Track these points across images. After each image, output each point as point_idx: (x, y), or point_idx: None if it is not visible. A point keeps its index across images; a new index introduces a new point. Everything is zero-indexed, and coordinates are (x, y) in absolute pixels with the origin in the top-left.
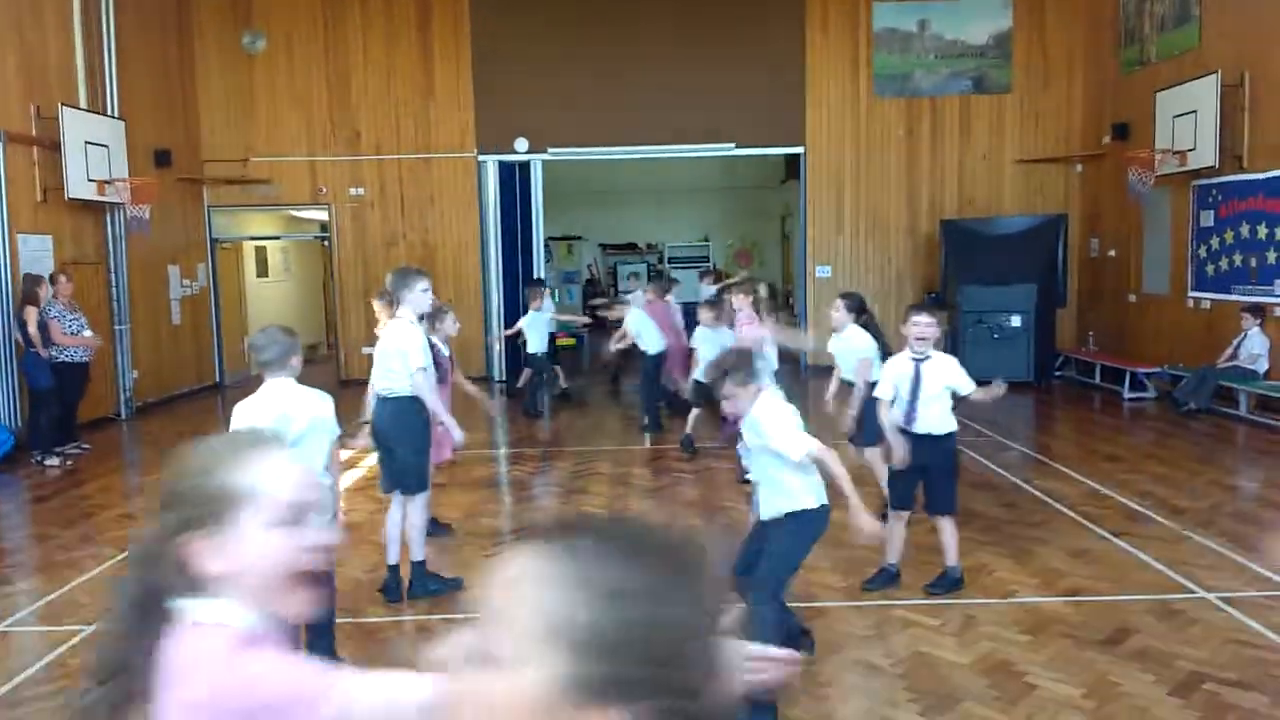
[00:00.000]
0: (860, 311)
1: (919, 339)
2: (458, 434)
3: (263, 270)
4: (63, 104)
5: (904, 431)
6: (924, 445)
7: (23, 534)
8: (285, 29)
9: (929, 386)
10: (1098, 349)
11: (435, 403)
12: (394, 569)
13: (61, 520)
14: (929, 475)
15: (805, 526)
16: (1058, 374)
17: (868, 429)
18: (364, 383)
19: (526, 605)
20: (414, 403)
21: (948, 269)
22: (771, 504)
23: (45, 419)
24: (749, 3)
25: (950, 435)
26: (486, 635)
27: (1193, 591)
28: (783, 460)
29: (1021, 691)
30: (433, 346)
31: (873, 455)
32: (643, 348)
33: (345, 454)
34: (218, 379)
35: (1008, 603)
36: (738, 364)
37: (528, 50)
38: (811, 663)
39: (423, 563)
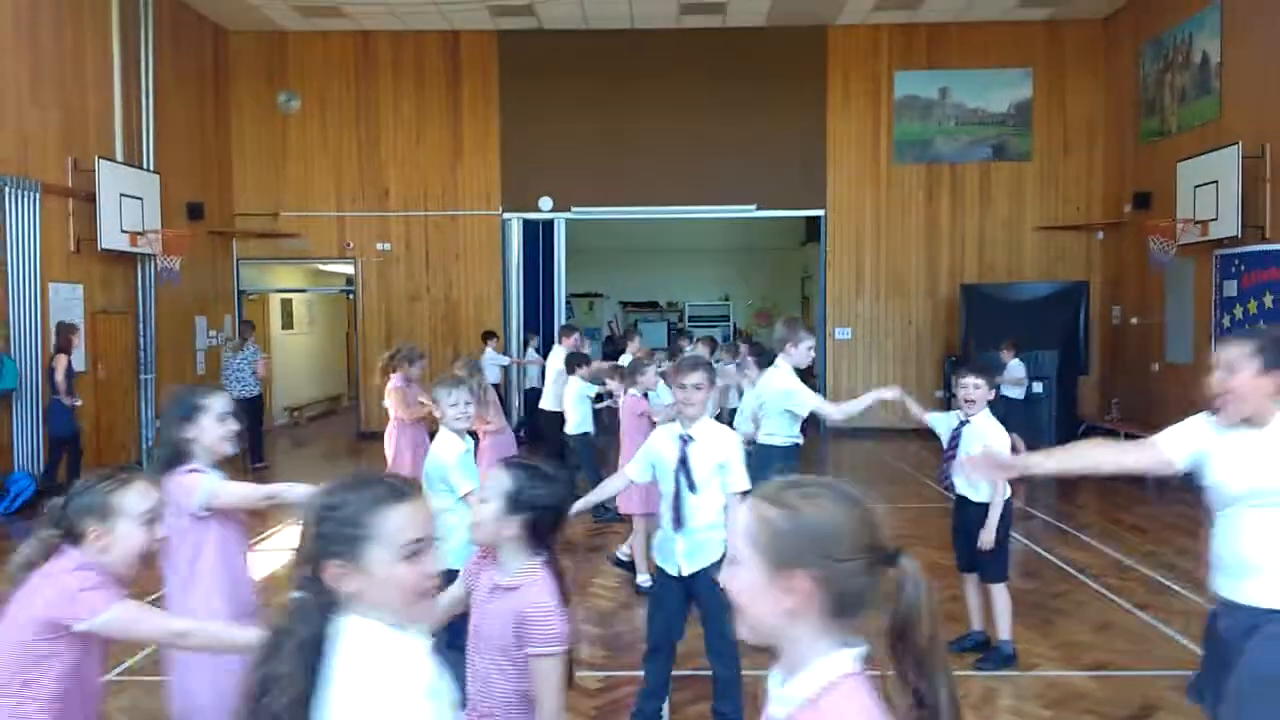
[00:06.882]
0: (763, 354)
1: (966, 400)
2: None
3: (288, 322)
4: (100, 157)
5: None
6: (965, 509)
7: None
8: (319, 89)
9: (965, 450)
10: (1121, 417)
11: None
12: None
13: None
14: (969, 540)
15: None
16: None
17: None
18: (382, 435)
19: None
20: (783, 451)
21: (968, 333)
22: (696, 557)
23: (66, 466)
24: (772, 68)
25: (983, 505)
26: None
27: None
28: (721, 494)
29: None
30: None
31: None
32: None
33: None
34: None
35: (1030, 675)
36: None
37: (554, 113)
38: None
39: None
